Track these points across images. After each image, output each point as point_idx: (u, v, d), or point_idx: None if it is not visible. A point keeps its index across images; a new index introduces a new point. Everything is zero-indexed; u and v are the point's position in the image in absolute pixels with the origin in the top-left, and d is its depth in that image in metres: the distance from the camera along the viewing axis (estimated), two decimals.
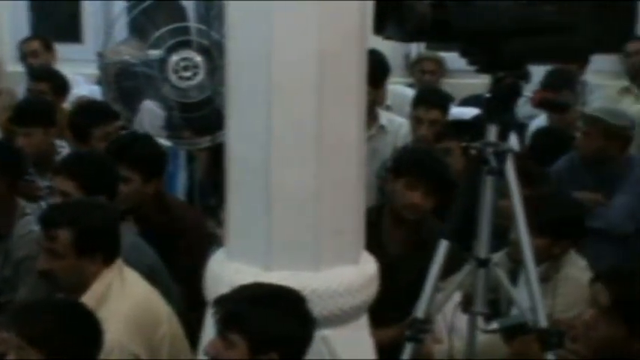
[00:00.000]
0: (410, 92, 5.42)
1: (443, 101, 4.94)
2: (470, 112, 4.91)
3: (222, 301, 2.36)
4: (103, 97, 4.88)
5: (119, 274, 2.84)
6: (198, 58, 4.26)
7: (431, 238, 3.20)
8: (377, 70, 4.89)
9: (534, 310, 2.55)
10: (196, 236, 3.69)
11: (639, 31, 6.22)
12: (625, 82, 6.05)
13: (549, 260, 3.35)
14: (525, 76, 2.55)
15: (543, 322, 2.53)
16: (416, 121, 4.78)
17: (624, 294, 2.74)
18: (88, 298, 2.69)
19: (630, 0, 6.27)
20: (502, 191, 2.63)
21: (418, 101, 4.89)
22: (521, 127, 5.43)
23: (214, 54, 4.20)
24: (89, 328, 2.43)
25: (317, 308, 2.44)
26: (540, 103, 2.93)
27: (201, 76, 4.26)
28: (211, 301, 2.42)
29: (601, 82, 5.96)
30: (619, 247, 4.17)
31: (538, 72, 4.99)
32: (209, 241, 3.61)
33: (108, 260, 2.82)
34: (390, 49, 5.23)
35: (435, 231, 3.39)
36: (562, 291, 3.26)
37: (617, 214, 4.23)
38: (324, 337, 2.50)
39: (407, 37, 2.45)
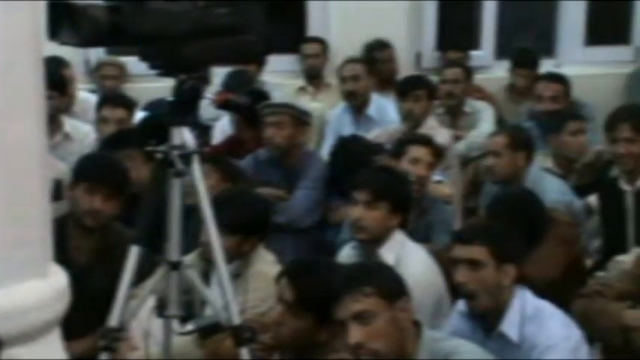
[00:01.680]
0: (93, 98, 5.32)
1: (128, 102, 4.93)
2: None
3: None
4: None
5: None
6: None
7: (118, 245, 3.17)
8: (60, 75, 4.77)
9: (227, 309, 2.59)
10: None
11: (311, 32, 6.50)
12: (301, 82, 6.32)
13: (240, 258, 3.44)
14: (206, 79, 2.59)
15: (236, 320, 2.58)
16: (102, 122, 4.74)
17: (306, 287, 2.87)
18: None
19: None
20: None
21: (103, 102, 4.87)
22: (205, 129, 5.52)
23: None
24: None
25: (4, 327, 2.33)
26: (222, 105, 2.99)
27: None
28: None
29: (279, 81, 6.19)
30: (301, 241, 4.36)
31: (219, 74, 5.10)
32: None
33: None
34: (70, 54, 5.11)
35: (122, 237, 3.36)
36: (253, 286, 3.35)
37: (298, 208, 4.41)
38: (14, 356, 2.39)
39: (83, 42, 2.39)
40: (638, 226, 4.02)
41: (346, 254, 3.61)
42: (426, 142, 4.30)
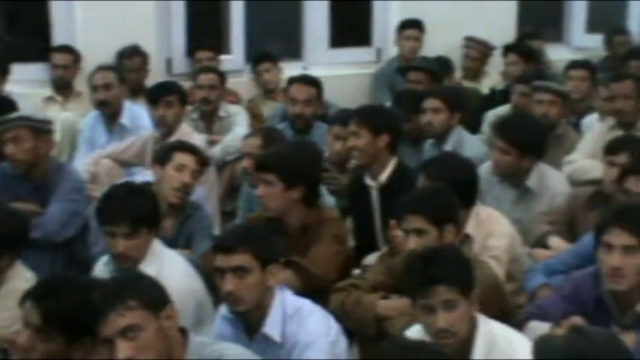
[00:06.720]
0: None
1: None
2: None
3: None
4: None
5: None
6: None
7: None
8: None
9: None
10: None
11: (57, 40, 6.29)
12: (49, 92, 6.10)
13: None
14: None
15: None
16: None
17: (53, 308, 2.72)
18: None
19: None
20: None
21: None
22: None
23: None
24: None
25: None
26: None
27: None
28: None
29: (26, 91, 5.94)
30: (58, 256, 4.25)
31: None
32: None
33: None
34: None
35: None
36: (5, 305, 3.21)
37: (53, 222, 4.28)
38: None
39: None
40: (385, 221, 4.16)
41: (100, 270, 3.53)
42: (193, 149, 4.27)
